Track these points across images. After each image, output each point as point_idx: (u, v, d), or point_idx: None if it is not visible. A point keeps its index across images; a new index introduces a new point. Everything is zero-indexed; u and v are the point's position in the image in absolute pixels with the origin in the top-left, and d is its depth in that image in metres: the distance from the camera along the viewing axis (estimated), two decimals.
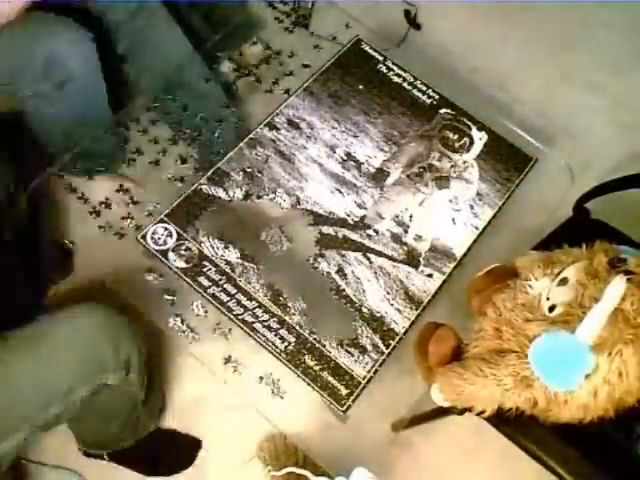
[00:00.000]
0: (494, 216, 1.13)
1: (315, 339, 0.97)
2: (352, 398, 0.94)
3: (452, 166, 1.17)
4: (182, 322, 1.02)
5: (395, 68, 1.28)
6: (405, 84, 1.26)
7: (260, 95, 1.26)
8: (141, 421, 1.03)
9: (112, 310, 0.86)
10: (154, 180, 1.17)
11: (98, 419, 0.97)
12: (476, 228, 1.11)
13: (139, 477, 1.18)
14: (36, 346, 0.78)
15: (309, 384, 0.94)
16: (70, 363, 0.80)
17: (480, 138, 1.21)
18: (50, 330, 0.81)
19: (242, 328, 0.97)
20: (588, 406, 0.78)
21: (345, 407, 0.93)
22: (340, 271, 1.04)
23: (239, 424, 1.19)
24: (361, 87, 1.24)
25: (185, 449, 1.11)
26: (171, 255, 1.02)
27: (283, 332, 0.97)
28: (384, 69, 1.27)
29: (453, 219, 1.12)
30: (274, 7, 1.38)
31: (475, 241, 1.10)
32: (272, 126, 1.17)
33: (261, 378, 1.00)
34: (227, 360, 1.02)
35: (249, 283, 1.00)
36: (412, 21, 1.59)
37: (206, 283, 1.00)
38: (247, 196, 1.09)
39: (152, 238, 1.03)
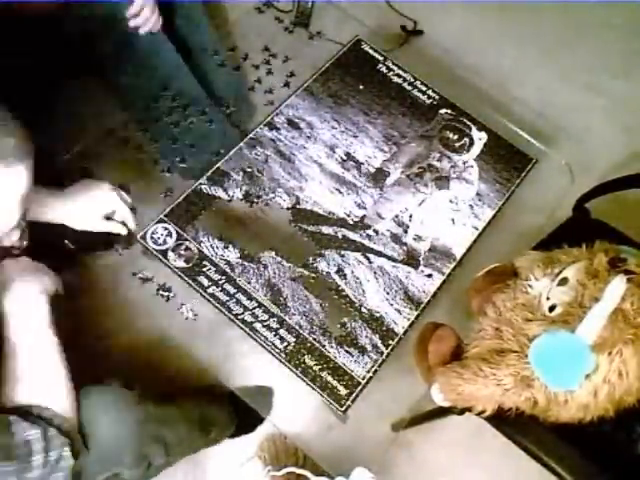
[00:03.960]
0: (494, 216, 1.13)
1: (315, 339, 0.97)
2: (352, 398, 0.94)
3: (452, 166, 1.17)
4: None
5: (395, 68, 1.28)
6: (405, 84, 1.26)
7: (260, 95, 1.26)
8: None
9: (139, 413, 0.83)
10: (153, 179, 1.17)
11: None
12: (476, 228, 1.11)
13: None
14: None
15: (309, 384, 0.94)
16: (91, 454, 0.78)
17: (480, 138, 1.21)
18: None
19: (242, 328, 0.97)
20: (588, 406, 0.78)
21: (345, 407, 0.93)
22: (340, 271, 1.04)
23: (239, 424, 1.19)
24: (361, 87, 1.24)
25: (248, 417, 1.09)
26: (171, 255, 1.02)
27: (283, 332, 0.97)
28: (384, 69, 1.27)
29: (453, 219, 1.12)
30: (276, 8, 1.37)
31: (475, 241, 1.10)
32: (272, 126, 1.17)
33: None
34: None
35: (249, 283, 1.00)
36: (411, 32, 1.60)
37: (206, 283, 1.00)
38: (247, 196, 1.09)
39: (152, 238, 1.03)
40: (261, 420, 1.12)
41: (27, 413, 0.69)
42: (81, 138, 1.16)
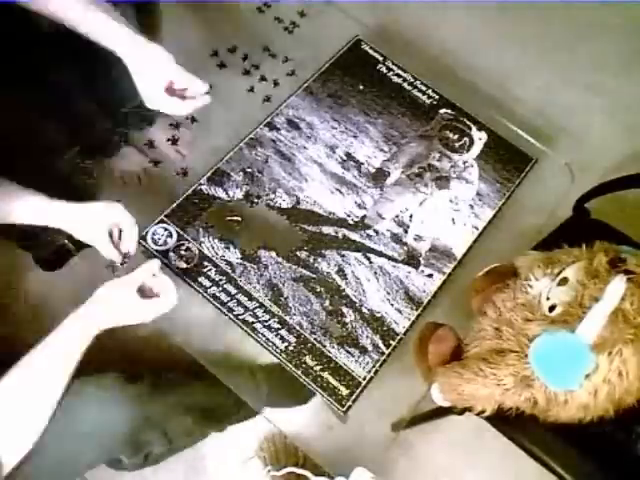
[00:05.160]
0: (494, 216, 1.13)
1: (315, 339, 0.97)
2: (353, 398, 0.94)
3: (452, 166, 1.17)
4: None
5: (395, 68, 1.28)
6: (405, 84, 1.26)
7: (260, 95, 1.26)
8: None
9: (135, 397, 0.84)
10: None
11: None
12: (476, 228, 1.12)
13: (140, 476, 1.18)
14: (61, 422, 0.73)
15: (309, 384, 0.94)
16: (92, 445, 0.79)
17: (480, 138, 1.21)
18: (77, 410, 0.79)
19: (242, 328, 0.97)
20: (588, 406, 0.78)
21: (346, 407, 0.93)
22: (340, 271, 1.04)
23: (239, 424, 1.19)
24: (361, 87, 1.24)
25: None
26: (171, 255, 1.02)
27: (283, 332, 0.97)
28: (384, 69, 1.27)
29: (453, 219, 1.12)
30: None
31: (475, 241, 1.10)
32: (272, 126, 1.17)
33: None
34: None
35: (249, 283, 1.00)
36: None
37: (206, 283, 1.00)
38: (247, 196, 1.09)
39: (152, 239, 1.03)
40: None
41: None
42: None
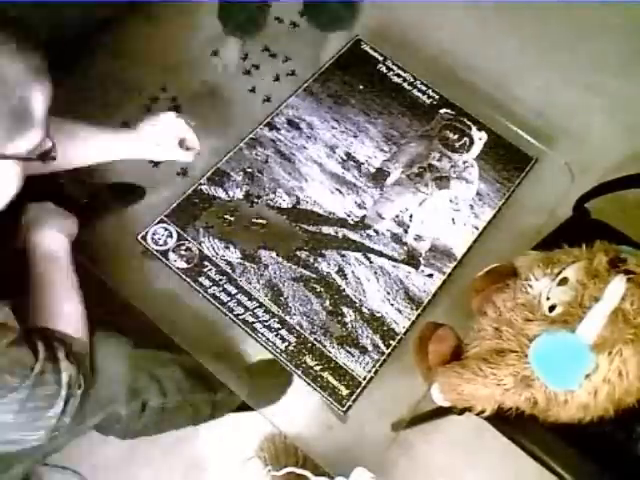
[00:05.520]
0: (494, 216, 1.13)
1: (316, 339, 0.97)
2: (353, 398, 0.94)
3: (452, 166, 1.17)
4: None
5: (395, 68, 1.28)
6: (405, 84, 1.26)
7: (260, 95, 1.26)
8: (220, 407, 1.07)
9: (128, 346, 0.87)
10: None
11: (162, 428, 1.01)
12: (476, 228, 1.12)
13: (140, 476, 1.18)
14: None
15: (309, 384, 0.94)
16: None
17: (480, 138, 1.21)
18: None
19: (243, 328, 0.97)
20: (588, 406, 0.78)
21: (346, 407, 0.93)
22: (340, 271, 1.04)
23: (239, 424, 1.19)
24: (361, 87, 1.24)
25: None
26: (171, 255, 1.02)
27: (284, 332, 0.97)
28: (384, 69, 1.27)
29: (453, 219, 1.12)
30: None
31: (475, 241, 1.10)
32: (272, 126, 1.17)
33: None
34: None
35: (249, 283, 1.00)
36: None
37: (207, 283, 1.00)
38: (247, 196, 1.09)
39: (152, 238, 1.03)
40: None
41: (48, 336, 0.73)
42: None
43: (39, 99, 0.60)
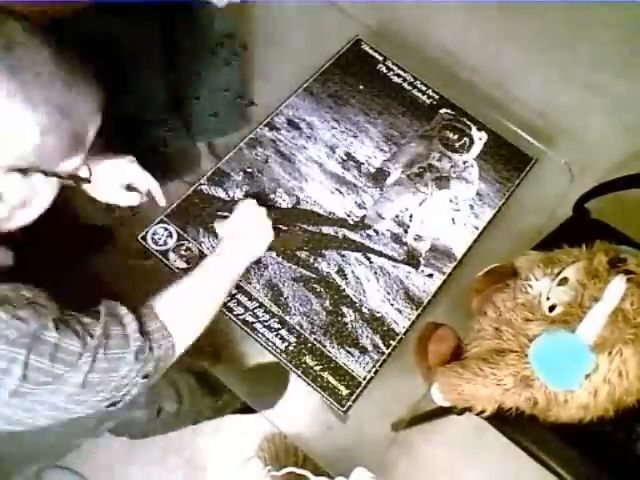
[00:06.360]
0: (494, 216, 1.13)
1: (315, 339, 0.97)
2: (353, 398, 0.94)
3: (452, 166, 1.17)
4: None
5: (395, 68, 1.28)
6: (405, 84, 1.26)
7: (260, 95, 1.26)
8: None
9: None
10: None
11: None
12: (476, 228, 1.12)
13: (140, 476, 1.18)
14: None
15: (309, 384, 0.94)
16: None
17: (480, 138, 1.21)
18: None
19: (242, 328, 0.97)
20: (588, 406, 0.78)
21: (346, 407, 0.93)
22: (340, 271, 1.04)
23: (239, 424, 1.19)
24: (361, 87, 1.24)
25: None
26: (171, 255, 1.02)
27: (283, 332, 0.97)
28: (384, 69, 1.27)
29: (453, 219, 1.12)
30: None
31: (475, 241, 1.10)
32: (272, 126, 1.17)
33: None
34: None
35: (249, 283, 1.00)
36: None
37: None
38: (247, 196, 1.09)
39: (152, 239, 1.03)
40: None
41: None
42: None
43: (94, 128, 0.64)
